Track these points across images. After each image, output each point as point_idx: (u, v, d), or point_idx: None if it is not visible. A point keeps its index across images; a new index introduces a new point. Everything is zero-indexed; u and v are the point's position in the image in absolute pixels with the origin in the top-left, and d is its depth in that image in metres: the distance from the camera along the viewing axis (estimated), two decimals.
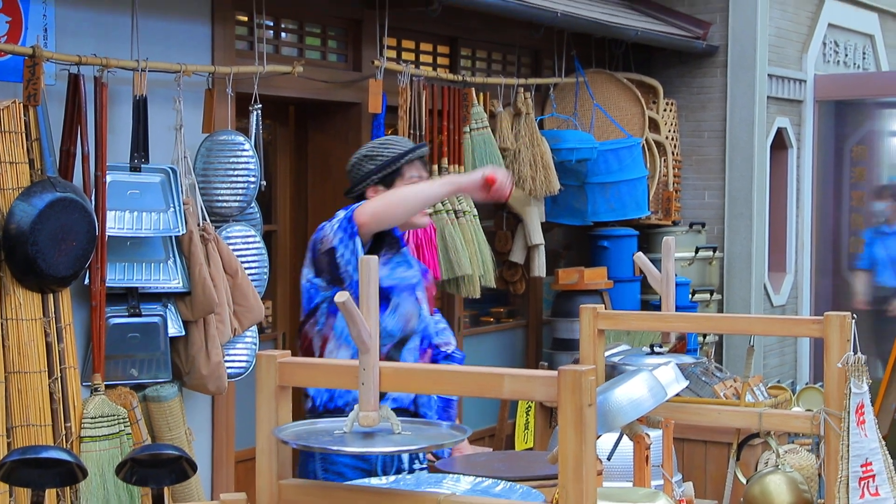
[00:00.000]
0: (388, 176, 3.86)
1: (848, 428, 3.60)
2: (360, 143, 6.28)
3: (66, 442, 4.55)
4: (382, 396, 2.59)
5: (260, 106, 5.38)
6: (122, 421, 4.74)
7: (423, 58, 7.00)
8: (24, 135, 4.52)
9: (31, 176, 4.55)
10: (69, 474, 2.67)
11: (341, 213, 3.77)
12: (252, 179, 5.25)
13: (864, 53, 10.37)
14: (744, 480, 4.17)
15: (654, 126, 8.06)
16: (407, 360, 3.90)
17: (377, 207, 3.72)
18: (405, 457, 3.80)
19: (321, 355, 3.78)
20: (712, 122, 8.53)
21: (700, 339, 7.91)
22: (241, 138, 5.25)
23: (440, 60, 7.13)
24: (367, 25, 6.30)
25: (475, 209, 6.55)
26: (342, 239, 3.69)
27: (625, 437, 3.43)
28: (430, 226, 6.20)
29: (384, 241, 3.86)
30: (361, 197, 3.89)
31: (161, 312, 4.98)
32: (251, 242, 5.31)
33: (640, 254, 4.32)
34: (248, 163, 5.23)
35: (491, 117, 6.90)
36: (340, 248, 3.69)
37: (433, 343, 4.05)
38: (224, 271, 5.06)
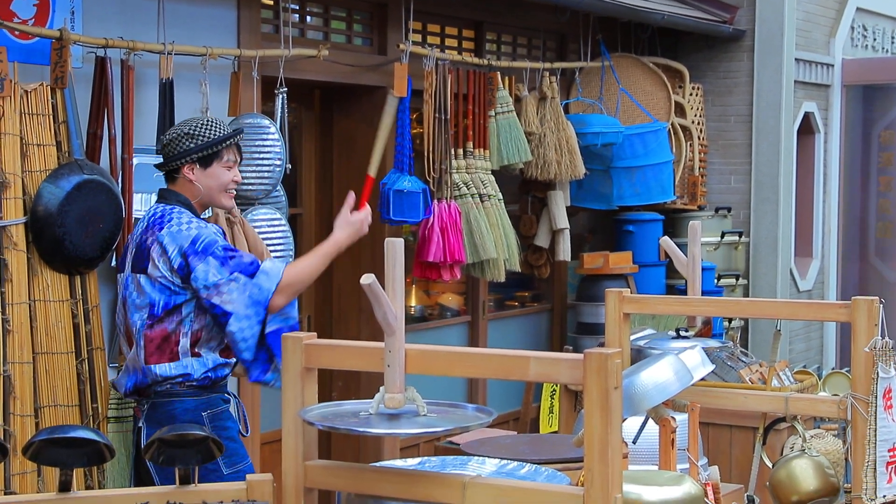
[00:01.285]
0: (207, 157, 4.01)
1: (875, 412, 3.59)
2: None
3: (94, 422, 4.58)
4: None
5: (285, 89, 5.38)
6: None
7: (448, 42, 6.99)
8: (51, 117, 4.54)
9: (59, 158, 4.57)
10: (97, 454, 2.69)
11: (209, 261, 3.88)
12: (277, 163, 5.25)
13: (892, 38, 10.30)
14: (770, 464, 4.17)
15: (680, 110, 8.02)
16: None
17: (289, 294, 3.90)
18: None
19: (192, 351, 3.91)
20: (739, 106, 8.49)
21: (725, 323, 7.89)
22: (266, 121, 5.25)
23: (465, 44, 7.11)
24: (393, 9, 6.29)
25: (500, 193, 6.54)
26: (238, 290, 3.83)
27: (650, 421, 3.42)
28: (455, 209, 6.20)
29: None
30: (176, 172, 4.03)
31: None
32: (277, 225, 5.32)
33: (667, 238, 4.31)
34: (273, 146, 5.23)
35: (516, 101, 6.88)
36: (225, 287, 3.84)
37: None
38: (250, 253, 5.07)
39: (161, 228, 3.91)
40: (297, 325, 3.97)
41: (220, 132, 4.03)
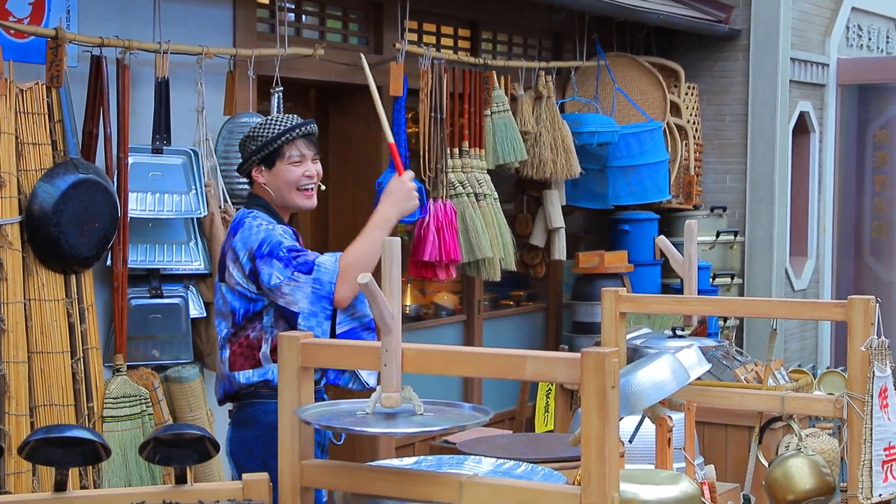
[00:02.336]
0: (269, 156, 3.76)
1: (871, 411, 3.60)
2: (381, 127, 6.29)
3: (89, 422, 4.58)
4: None
5: (281, 88, 5.38)
6: (143, 401, 4.76)
7: (444, 41, 6.98)
8: (46, 116, 4.54)
9: (54, 157, 4.57)
10: (93, 453, 2.68)
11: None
12: None
13: (887, 37, 10.31)
14: (766, 463, 4.17)
15: (676, 110, 8.02)
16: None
17: (351, 281, 3.58)
18: None
19: (272, 357, 3.71)
20: (734, 105, 8.49)
21: (721, 322, 7.89)
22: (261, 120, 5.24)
23: (461, 44, 7.11)
24: (389, 8, 6.29)
25: (496, 192, 6.55)
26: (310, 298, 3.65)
27: (647, 420, 3.42)
28: (450, 208, 6.20)
29: None
30: (249, 176, 3.83)
31: (182, 294, 5.00)
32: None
33: (663, 237, 4.31)
34: None
35: (512, 101, 6.88)
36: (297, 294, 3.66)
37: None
38: None
39: (235, 234, 3.74)
40: (372, 323, 3.67)
41: (278, 129, 3.77)
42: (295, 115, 3.86)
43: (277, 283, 3.63)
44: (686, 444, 3.72)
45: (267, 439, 3.54)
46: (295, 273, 3.62)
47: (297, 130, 3.77)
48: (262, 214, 3.75)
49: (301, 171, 3.77)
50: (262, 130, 3.77)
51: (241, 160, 3.85)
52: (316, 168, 3.82)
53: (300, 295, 3.62)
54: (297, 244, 3.71)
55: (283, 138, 3.76)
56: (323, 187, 3.93)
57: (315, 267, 3.61)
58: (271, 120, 3.81)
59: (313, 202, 3.83)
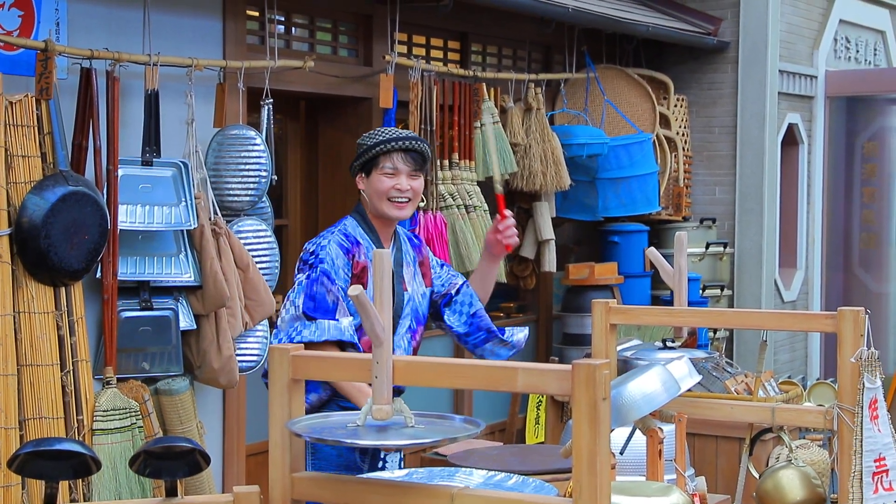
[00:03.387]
0: (366, 164, 3.85)
1: (861, 423, 3.60)
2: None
3: (79, 434, 4.56)
4: None
5: (271, 101, 5.38)
6: (133, 414, 4.75)
7: (433, 53, 7.00)
8: (36, 128, 4.53)
9: (44, 170, 4.56)
10: (83, 466, 2.67)
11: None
12: (263, 174, 5.25)
13: (875, 49, 10.34)
14: (756, 475, 4.17)
15: (665, 122, 8.04)
16: (400, 347, 3.88)
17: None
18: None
19: None
20: (723, 117, 8.52)
21: (710, 334, 7.90)
22: (252, 133, 5.25)
23: (451, 56, 7.12)
24: (378, 20, 6.30)
25: (486, 204, 6.55)
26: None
27: (638, 432, 3.42)
28: (440, 220, 6.20)
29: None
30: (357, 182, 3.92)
31: (172, 306, 4.99)
32: (262, 236, 5.32)
33: (653, 249, 4.32)
34: (259, 157, 5.23)
35: (502, 113, 6.89)
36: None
37: (479, 325, 4.17)
38: (235, 265, 5.06)
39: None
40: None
41: (377, 139, 3.84)
42: (404, 130, 3.94)
43: (288, 298, 3.78)
44: (677, 455, 3.72)
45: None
46: (296, 303, 3.73)
47: (394, 143, 3.83)
48: (349, 221, 3.87)
49: (391, 184, 3.83)
50: (366, 139, 3.87)
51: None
52: (412, 183, 3.85)
53: (286, 319, 3.76)
54: (331, 276, 3.72)
55: (378, 148, 3.83)
56: (423, 202, 4.02)
57: (310, 318, 3.69)
58: (380, 130, 3.91)
59: (404, 213, 3.89)
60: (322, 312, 3.70)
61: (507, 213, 4.05)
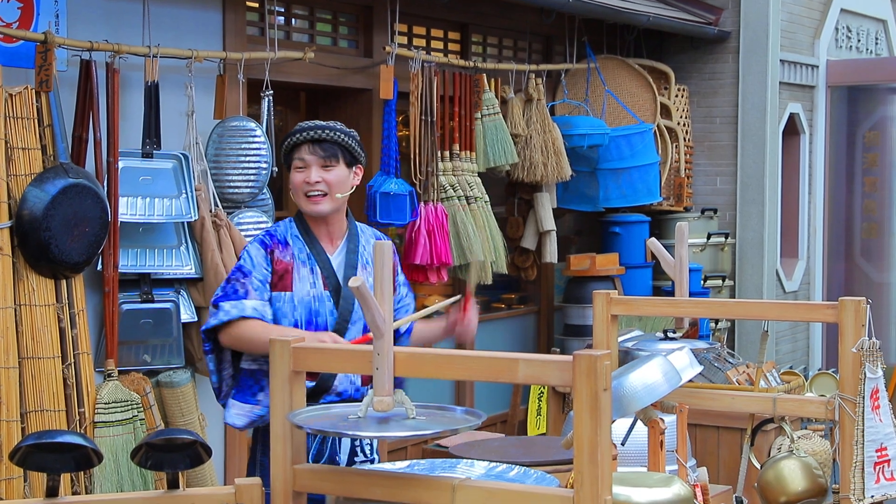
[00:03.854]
0: (285, 162, 3.74)
1: (863, 413, 3.60)
2: (372, 130, 6.28)
3: (80, 427, 4.56)
4: None
5: (271, 92, 5.38)
6: (135, 406, 4.75)
7: (434, 44, 6.98)
8: (36, 121, 4.52)
9: (44, 162, 4.55)
10: (84, 458, 2.67)
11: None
12: (263, 165, 5.24)
13: (876, 39, 10.33)
14: (758, 465, 4.17)
15: (666, 112, 8.03)
16: None
17: (231, 341, 3.63)
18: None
19: None
20: (724, 107, 8.50)
21: (712, 325, 7.90)
22: (252, 124, 5.24)
23: (451, 46, 7.11)
24: (378, 11, 6.29)
25: (486, 195, 6.54)
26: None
27: (639, 422, 3.42)
28: (441, 211, 6.19)
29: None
30: None
31: (173, 298, 4.99)
32: (263, 228, 5.31)
33: (654, 239, 4.31)
34: (259, 149, 5.23)
35: (502, 103, 6.88)
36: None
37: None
38: (236, 257, 5.06)
39: None
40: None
41: (292, 136, 3.71)
42: (318, 121, 3.75)
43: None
44: (678, 446, 3.72)
45: None
46: (214, 300, 3.67)
47: (299, 135, 3.69)
48: (285, 225, 3.74)
49: (302, 178, 3.67)
50: (286, 138, 3.75)
51: None
52: (324, 175, 3.66)
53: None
54: (246, 265, 3.65)
55: (286, 143, 3.72)
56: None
57: (216, 306, 3.63)
58: (299, 128, 3.75)
59: (319, 207, 3.67)
60: (226, 299, 3.62)
61: (472, 306, 3.82)
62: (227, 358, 3.71)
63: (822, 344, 9.37)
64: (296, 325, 3.64)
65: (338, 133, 3.70)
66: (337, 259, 3.73)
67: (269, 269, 3.66)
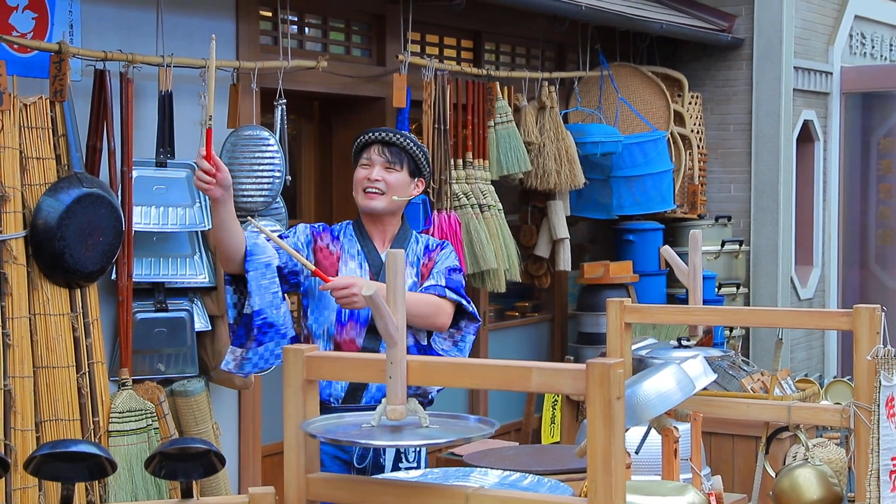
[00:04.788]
0: (354, 160, 3.92)
1: (878, 421, 3.58)
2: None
3: (95, 436, 4.57)
4: None
5: (284, 101, 5.39)
6: (149, 415, 4.76)
7: (447, 52, 6.99)
8: (50, 130, 4.54)
9: (58, 172, 4.57)
10: (99, 468, 2.67)
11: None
12: (277, 174, 5.25)
13: (891, 45, 10.30)
14: (773, 474, 4.15)
15: (680, 119, 8.02)
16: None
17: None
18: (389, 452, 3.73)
19: None
20: (738, 114, 8.49)
21: (726, 332, 7.88)
22: (265, 133, 5.25)
23: (464, 55, 7.12)
24: (391, 20, 6.30)
25: (500, 203, 6.54)
26: None
27: (653, 431, 3.41)
28: (454, 220, 6.19)
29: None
30: None
31: (187, 307, 5.00)
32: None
33: (668, 247, 4.30)
34: (272, 158, 5.23)
35: (515, 111, 6.88)
36: None
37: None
38: None
39: None
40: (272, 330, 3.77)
41: (364, 134, 3.94)
42: (386, 128, 4.04)
43: None
44: (692, 454, 3.71)
45: None
46: None
47: (372, 135, 3.89)
48: (342, 224, 3.92)
49: (364, 174, 3.85)
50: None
51: None
52: (385, 175, 3.83)
53: None
54: (282, 235, 3.84)
55: (359, 141, 3.90)
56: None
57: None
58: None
59: (374, 203, 3.84)
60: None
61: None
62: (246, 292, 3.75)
63: (838, 351, 9.34)
64: (338, 311, 3.79)
65: (407, 141, 3.90)
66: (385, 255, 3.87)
67: (307, 253, 3.81)
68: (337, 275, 3.78)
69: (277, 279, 3.74)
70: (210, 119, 3.46)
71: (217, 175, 3.53)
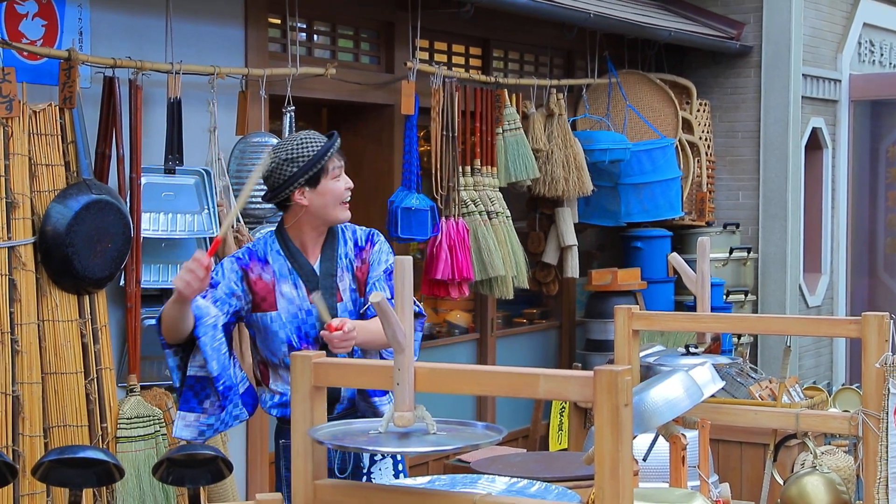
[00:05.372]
0: (314, 176, 3.64)
1: (886, 429, 3.58)
2: (393, 145, 6.30)
3: (103, 442, 4.57)
4: None
5: (293, 108, 5.39)
6: (157, 421, 4.76)
7: (455, 59, 7.00)
8: (59, 137, 4.55)
9: (67, 178, 4.58)
10: (106, 474, 2.68)
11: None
12: None
13: None
14: (781, 481, 4.15)
15: (688, 126, 8.02)
16: None
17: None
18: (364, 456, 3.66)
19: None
20: (746, 122, 8.48)
21: (735, 340, 7.87)
22: (274, 140, 5.26)
23: (472, 62, 7.12)
24: (400, 27, 6.31)
25: (508, 210, 6.55)
26: None
27: (661, 438, 3.41)
28: (462, 227, 6.20)
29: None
30: (287, 201, 3.66)
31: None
32: None
33: (676, 254, 4.30)
34: None
35: (523, 118, 6.89)
36: None
37: None
38: None
39: None
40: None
41: (316, 146, 3.65)
42: (312, 131, 3.76)
43: None
44: (700, 462, 3.70)
45: None
46: None
47: (335, 144, 3.69)
48: (267, 241, 3.71)
49: (343, 184, 3.70)
50: (300, 151, 3.64)
51: (269, 188, 3.69)
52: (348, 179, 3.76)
53: None
54: (213, 283, 3.63)
55: (327, 154, 3.66)
56: None
57: None
58: (303, 139, 3.68)
59: (349, 213, 3.74)
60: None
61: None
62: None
63: (846, 359, 9.32)
64: (288, 342, 3.65)
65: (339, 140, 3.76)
66: (319, 267, 3.72)
67: (242, 288, 3.66)
68: (276, 304, 3.64)
69: (223, 335, 3.61)
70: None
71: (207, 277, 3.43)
